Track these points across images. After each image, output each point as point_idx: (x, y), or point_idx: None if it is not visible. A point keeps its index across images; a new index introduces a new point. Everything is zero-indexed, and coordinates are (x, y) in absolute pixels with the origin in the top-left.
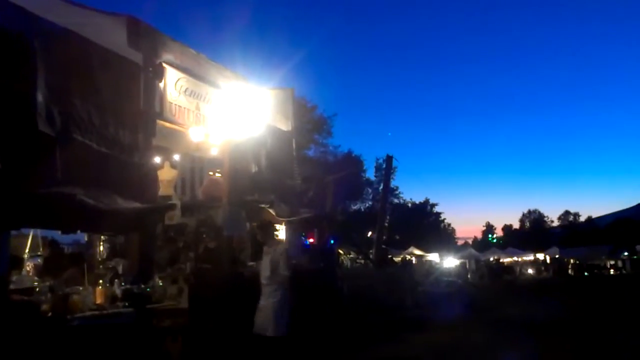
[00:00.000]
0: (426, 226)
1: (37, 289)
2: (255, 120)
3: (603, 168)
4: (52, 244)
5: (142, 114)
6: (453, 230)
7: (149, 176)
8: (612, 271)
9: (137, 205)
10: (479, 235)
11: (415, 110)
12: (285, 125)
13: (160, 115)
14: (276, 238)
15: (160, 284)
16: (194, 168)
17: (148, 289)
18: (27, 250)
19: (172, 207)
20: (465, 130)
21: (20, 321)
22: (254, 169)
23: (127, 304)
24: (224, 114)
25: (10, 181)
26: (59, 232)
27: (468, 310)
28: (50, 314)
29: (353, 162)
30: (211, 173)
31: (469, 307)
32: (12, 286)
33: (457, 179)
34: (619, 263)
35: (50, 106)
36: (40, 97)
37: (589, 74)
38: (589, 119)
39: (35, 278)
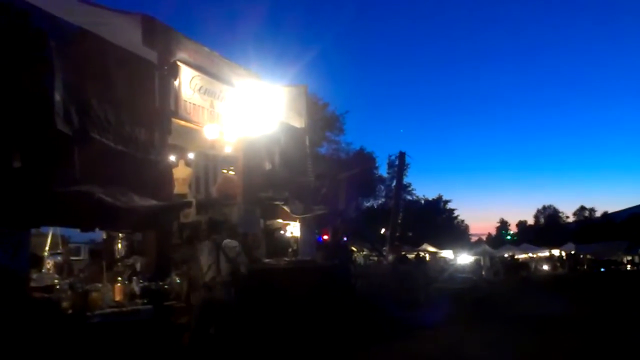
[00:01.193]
0: (439, 223)
1: (57, 287)
2: (268, 117)
3: (618, 163)
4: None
5: (158, 112)
6: (467, 226)
7: (165, 174)
8: (628, 267)
9: (153, 202)
10: (493, 232)
11: (427, 107)
12: (298, 123)
13: (175, 113)
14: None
15: (178, 281)
16: (208, 166)
17: (166, 286)
18: (46, 249)
19: (189, 204)
20: (478, 127)
21: (41, 318)
22: (268, 166)
23: (145, 301)
24: (238, 111)
25: (30, 180)
26: (78, 230)
27: (482, 307)
28: (70, 311)
29: (365, 159)
30: (225, 171)
31: (484, 303)
32: (32, 284)
33: (470, 175)
34: (636, 259)
35: (67, 106)
36: (57, 97)
37: (604, 69)
38: (604, 114)
39: (56, 276)
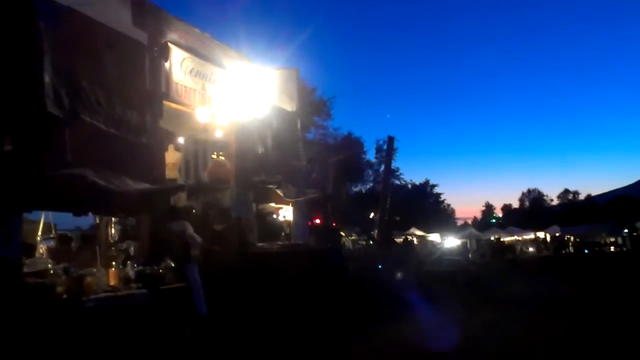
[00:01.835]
0: (426, 207)
1: (51, 271)
2: (260, 100)
3: (602, 146)
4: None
5: (149, 94)
6: (452, 210)
7: (157, 157)
8: (612, 248)
9: (146, 186)
10: (479, 216)
11: (414, 92)
12: (289, 106)
13: (167, 95)
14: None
15: (172, 265)
16: (198, 150)
17: (160, 270)
18: (39, 233)
19: (182, 188)
20: (463, 111)
21: (35, 303)
22: (260, 150)
23: (140, 285)
24: (230, 94)
25: (20, 164)
26: (71, 214)
27: (473, 289)
28: (65, 296)
29: (353, 144)
30: (214, 155)
31: (474, 285)
32: (25, 269)
33: (456, 159)
34: (619, 240)
35: (57, 87)
36: (47, 78)
37: (589, 53)
38: (588, 98)
39: (49, 260)
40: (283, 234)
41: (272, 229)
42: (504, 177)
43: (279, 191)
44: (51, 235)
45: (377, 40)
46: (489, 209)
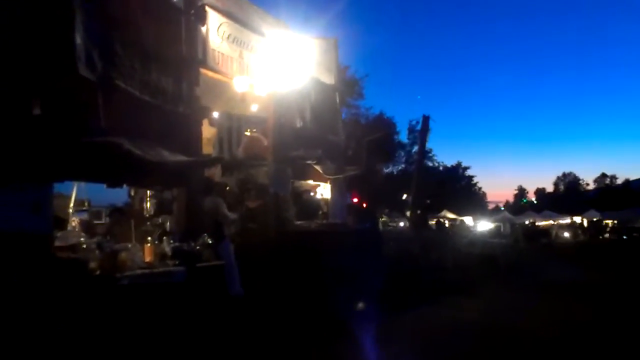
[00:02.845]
0: (458, 190)
1: (84, 246)
2: (298, 71)
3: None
4: None
5: (185, 60)
6: (484, 194)
7: (194, 128)
8: None
9: (183, 158)
10: (511, 199)
11: (447, 72)
12: (328, 78)
13: (204, 62)
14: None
15: (210, 242)
16: (232, 127)
17: (197, 247)
18: (71, 205)
19: (220, 160)
20: (497, 93)
21: (67, 280)
22: (298, 123)
23: (177, 262)
24: (268, 63)
25: (51, 129)
26: (104, 186)
27: (510, 273)
28: (98, 272)
29: (385, 125)
30: (248, 132)
31: (510, 270)
32: (57, 242)
33: (488, 142)
34: None
35: (90, 50)
36: (79, 40)
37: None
38: (625, 81)
39: (82, 234)
40: (320, 212)
41: (309, 207)
42: (537, 161)
43: (317, 167)
44: (84, 208)
45: (411, 18)
46: (521, 192)
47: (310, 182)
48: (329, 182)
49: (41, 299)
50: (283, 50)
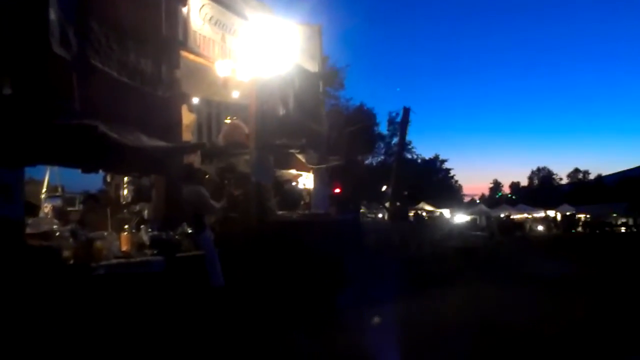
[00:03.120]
0: (435, 182)
1: (57, 233)
2: (282, 57)
3: (613, 125)
4: None
5: (165, 41)
6: (460, 187)
7: (173, 112)
8: (622, 229)
9: (162, 143)
10: (486, 193)
11: (424, 64)
12: (311, 66)
13: (184, 44)
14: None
15: (189, 231)
16: (211, 114)
17: (177, 237)
18: (43, 190)
19: (201, 147)
20: (472, 86)
21: (39, 269)
22: (281, 111)
23: (155, 251)
24: (251, 48)
25: (23, 111)
26: (79, 170)
27: (487, 266)
28: (72, 261)
29: (365, 116)
30: (228, 120)
31: (487, 262)
32: (28, 229)
33: (464, 135)
34: (630, 221)
35: (64, 26)
36: (53, 15)
37: (599, 30)
38: (599, 76)
39: (55, 221)
40: (302, 202)
41: (291, 197)
42: (512, 155)
43: (300, 156)
44: (57, 194)
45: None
46: (496, 186)
47: (293, 171)
48: (311, 171)
49: (11, 289)
50: (266, 35)
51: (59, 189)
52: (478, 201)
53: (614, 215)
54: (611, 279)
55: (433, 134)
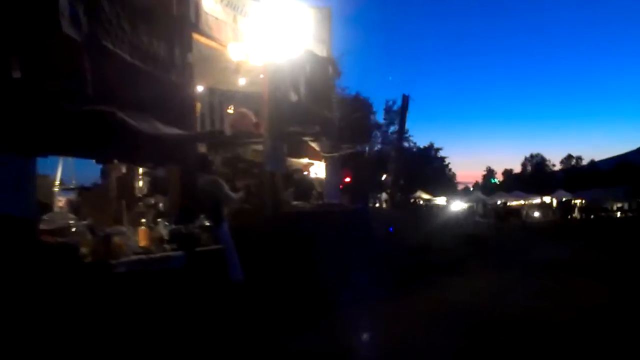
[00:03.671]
0: (430, 171)
1: (74, 229)
2: (293, 41)
3: (605, 111)
4: None
5: (177, 22)
6: (453, 174)
7: (187, 98)
8: (618, 214)
9: (178, 131)
10: (480, 180)
11: (417, 53)
12: (321, 51)
13: (196, 27)
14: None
15: (207, 223)
16: (214, 102)
17: (195, 230)
18: (56, 183)
19: (219, 135)
20: (464, 74)
21: (56, 268)
22: (293, 97)
23: (175, 246)
24: (262, 31)
25: (33, 95)
26: (94, 160)
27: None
28: (90, 259)
29: (362, 105)
30: (231, 109)
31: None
32: (42, 225)
33: (455, 123)
34: (625, 205)
35: (74, 5)
36: None
37: (595, 15)
38: (591, 62)
39: (71, 215)
40: (314, 192)
41: (302, 187)
42: (505, 142)
43: (314, 144)
44: (71, 186)
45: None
46: (490, 173)
47: (305, 160)
48: (323, 160)
49: (27, 291)
50: (277, 17)
51: (73, 182)
52: (472, 189)
53: (610, 200)
54: (621, 264)
55: (424, 121)
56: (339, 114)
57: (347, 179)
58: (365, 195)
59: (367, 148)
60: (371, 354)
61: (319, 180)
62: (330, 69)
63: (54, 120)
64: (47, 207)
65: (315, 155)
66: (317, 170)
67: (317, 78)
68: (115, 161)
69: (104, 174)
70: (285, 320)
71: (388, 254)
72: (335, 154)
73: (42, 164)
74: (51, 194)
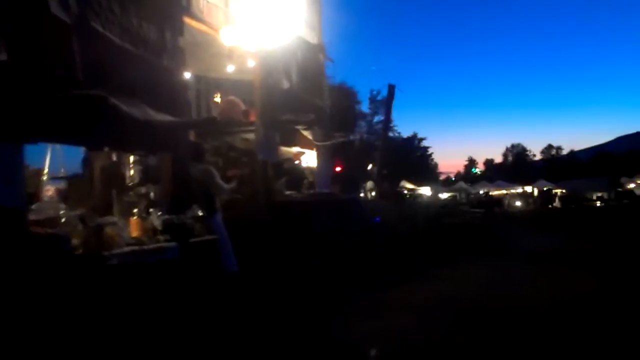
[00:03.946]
0: (414, 161)
1: (64, 219)
2: (284, 26)
3: (584, 100)
4: None
5: (168, 5)
6: (436, 164)
7: (179, 84)
8: (597, 203)
9: (171, 118)
10: (462, 170)
11: (401, 43)
12: (312, 38)
13: (187, 10)
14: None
15: (200, 213)
16: (200, 90)
17: (188, 220)
18: (45, 171)
19: (213, 121)
20: (445, 64)
21: (45, 260)
22: (285, 85)
23: (168, 237)
24: (254, 14)
25: (20, 79)
26: (84, 148)
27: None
28: (81, 250)
29: (347, 94)
30: (217, 97)
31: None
32: (32, 215)
33: (437, 113)
34: (605, 195)
35: None
36: None
37: (571, 7)
38: (570, 53)
39: (61, 205)
40: (305, 181)
41: (293, 176)
42: (487, 132)
43: (306, 133)
44: (60, 175)
45: None
46: (471, 163)
47: (296, 149)
48: (314, 149)
49: (17, 284)
50: (268, 1)
51: (62, 170)
52: (453, 179)
53: (590, 190)
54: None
55: (406, 111)
56: (330, 102)
57: (338, 169)
58: (356, 185)
59: (358, 137)
60: (364, 345)
61: (310, 169)
62: (321, 57)
63: (42, 106)
64: (35, 197)
65: (306, 144)
66: (308, 159)
67: (308, 65)
68: (106, 149)
69: (85, 162)
70: (279, 310)
71: (379, 244)
72: (327, 143)
73: (30, 152)
74: (40, 183)
